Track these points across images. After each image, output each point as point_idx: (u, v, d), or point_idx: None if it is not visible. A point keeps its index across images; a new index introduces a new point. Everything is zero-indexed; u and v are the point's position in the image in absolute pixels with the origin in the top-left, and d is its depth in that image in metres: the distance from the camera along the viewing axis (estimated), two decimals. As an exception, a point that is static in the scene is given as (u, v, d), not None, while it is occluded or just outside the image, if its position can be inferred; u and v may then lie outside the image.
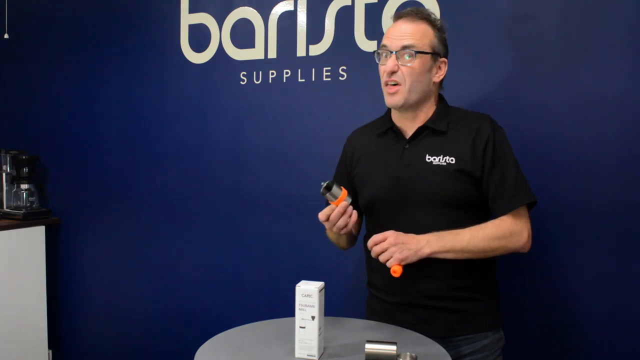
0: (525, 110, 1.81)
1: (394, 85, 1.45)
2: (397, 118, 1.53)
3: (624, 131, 1.69)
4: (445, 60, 1.49)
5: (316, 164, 2.12)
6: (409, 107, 1.47)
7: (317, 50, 2.13)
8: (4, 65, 2.84)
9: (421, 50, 1.43)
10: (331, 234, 1.66)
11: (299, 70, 2.17)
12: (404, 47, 1.42)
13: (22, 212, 2.63)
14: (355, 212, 1.41)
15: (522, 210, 1.43)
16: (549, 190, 1.73)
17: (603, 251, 1.73)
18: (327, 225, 1.43)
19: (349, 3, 2.06)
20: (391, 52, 1.44)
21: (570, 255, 1.77)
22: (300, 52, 2.16)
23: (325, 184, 1.37)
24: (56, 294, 2.75)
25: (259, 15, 2.23)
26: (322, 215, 1.42)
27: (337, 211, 1.39)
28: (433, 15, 1.49)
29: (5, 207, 2.72)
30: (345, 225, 1.41)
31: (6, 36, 2.62)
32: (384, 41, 1.47)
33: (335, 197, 1.38)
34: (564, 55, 1.76)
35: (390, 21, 1.51)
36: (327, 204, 1.43)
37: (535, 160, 1.75)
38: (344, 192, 1.39)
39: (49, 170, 2.76)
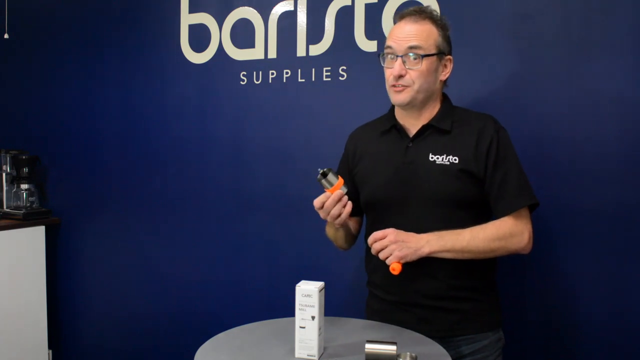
0: (526, 110, 1.81)
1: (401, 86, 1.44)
2: (400, 116, 1.53)
3: (624, 131, 1.69)
4: (451, 57, 1.49)
5: (316, 164, 2.08)
6: (415, 105, 1.47)
7: (317, 50, 2.13)
8: (4, 65, 2.84)
9: (427, 53, 1.42)
10: (329, 231, 1.66)
11: (299, 70, 2.17)
12: (410, 48, 1.42)
13: (22, 212, 2.63)
14: (350, 202, 1.41)
15: (523, 212, 1.43)
16: (549, 190, 1.73)
17: (603, 251, 1.73)
18: (321, 214, 1.43)
19: (349, 3, 2.06)
20: (397, 56, 1.43)
21: (570, 255, 1.77)
22: (300, 52, 2.16)
23: (322, 171, 1.38)
24: (56, 294, 2.75)
25: (259, 15, 2.23)
26: (316, 203, 1.42)
27: (332, 199, 1.39)
28: (435, 13, 1.48)
29: (5, 207, 2.71)
30: (339, 215, 1.41)
31: (6, 36, 2.61)
32: (389, 42, 1.46)
33: (331, 185, 1.39)
34: (564, 55, 1.76)
35: (390, 21, 1.51)
36: (324, 192, 1.43)
37: (535, 160, 1.75)
38: (341, 180, 1.40)
39: (49, 170, 2.76)
